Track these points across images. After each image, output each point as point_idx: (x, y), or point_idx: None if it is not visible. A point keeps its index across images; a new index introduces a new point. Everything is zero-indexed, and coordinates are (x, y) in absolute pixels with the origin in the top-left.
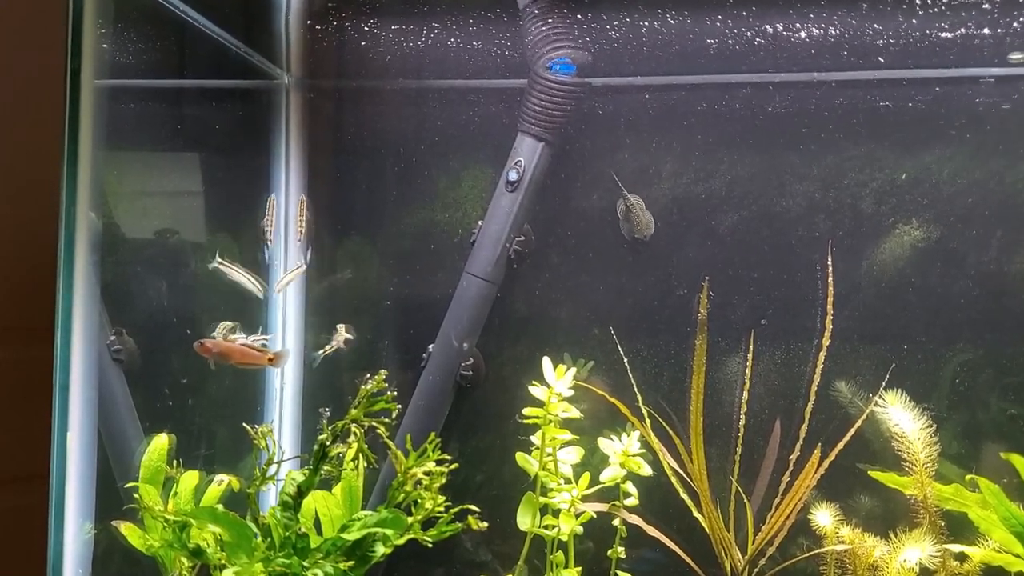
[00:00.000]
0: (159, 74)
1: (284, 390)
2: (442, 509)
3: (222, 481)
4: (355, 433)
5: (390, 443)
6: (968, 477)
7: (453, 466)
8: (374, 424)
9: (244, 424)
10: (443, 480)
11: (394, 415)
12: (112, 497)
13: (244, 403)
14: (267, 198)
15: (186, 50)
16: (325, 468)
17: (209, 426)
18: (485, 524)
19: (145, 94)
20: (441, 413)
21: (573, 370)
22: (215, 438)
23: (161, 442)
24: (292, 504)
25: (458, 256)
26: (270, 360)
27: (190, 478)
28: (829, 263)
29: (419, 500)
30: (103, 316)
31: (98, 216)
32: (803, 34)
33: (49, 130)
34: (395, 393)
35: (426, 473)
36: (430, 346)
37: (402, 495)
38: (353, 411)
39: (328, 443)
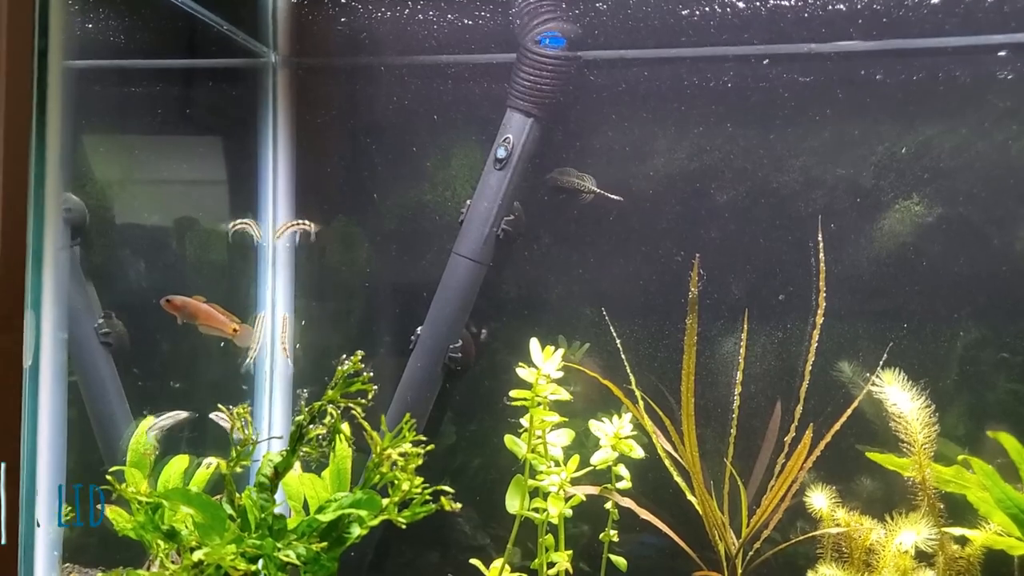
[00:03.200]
0: (136, 54)
1: (274, 373)
2: (419, 490)
3: (210, 464)
4: (331, 414)
5: (365, 424)
6: (960, 457)
7: (429, 447)
8: (350, 405)
9: (220, 405)
10: (419, 461)
11: (370, 396)
12: (95, 480)
13: (233, 386)
14: (256, 315)
15: (164, 29)
16: (305, 450)
17: (197, 409)
18: (459, 505)
19: (123, 76)
20: (430, 396)
21: (561, 351)
22: (201, 421)
23: (148, 425)
24: (269, 485)
25: (447, 237)
26: (234, 330)
27: (179, 461)
28: (820, 239)
29: (395, 481)
30: (92, 299)
31: (84, 200)
32: (798, 3)
33: (16, 114)
34: (371, 374)
35: (402, 454)
36: (418, 329)
37: (378, 476)
38: (330, 392)
39: (306, 424)
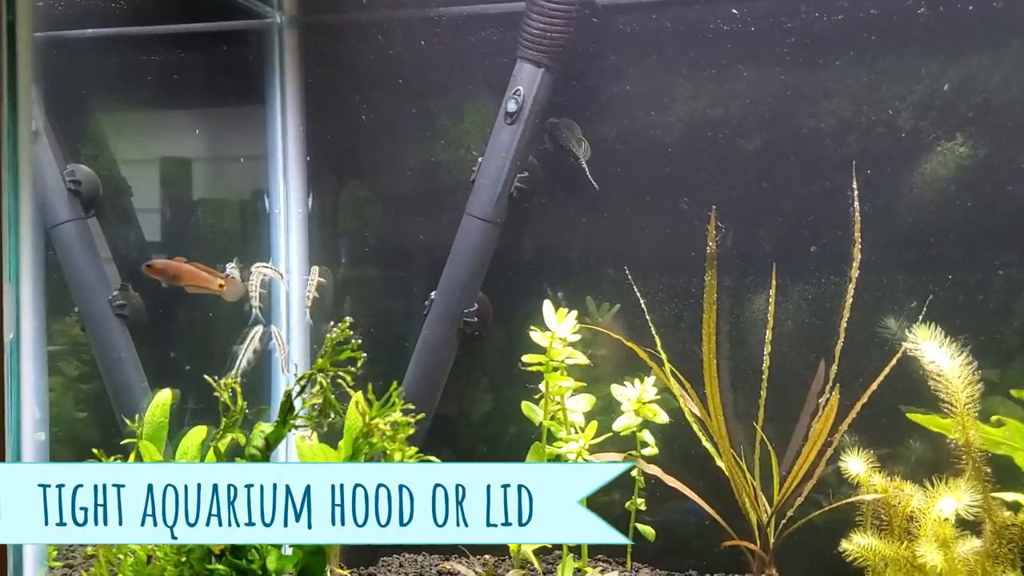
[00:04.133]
0: (132, 21)
1: (290, 343)
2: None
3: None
4: (321, 384)
5: (352, 393)
6: (994, 418)
7: (420, 416)
8: (339, 374)
9: (205, 376)
10: (410, 431)
11: (359, 364)
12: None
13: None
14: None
15: None
16: (302, 420)
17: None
18: None
19: (122, 44)
20: (445, 363)
21: (574, 313)
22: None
23: (163, 397)
24: (260, 457)
25: (462, 197)
26: (220, 285)
27: (197, 433)
28: (854, 187)
29: (387, 452)
30: (106, 271)
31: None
32: None
33: None
34: (360, 341)
35: (391, 424)
36: (432, 293)
37: (366, 447)
38: (319, 360)
39: (295, 395)
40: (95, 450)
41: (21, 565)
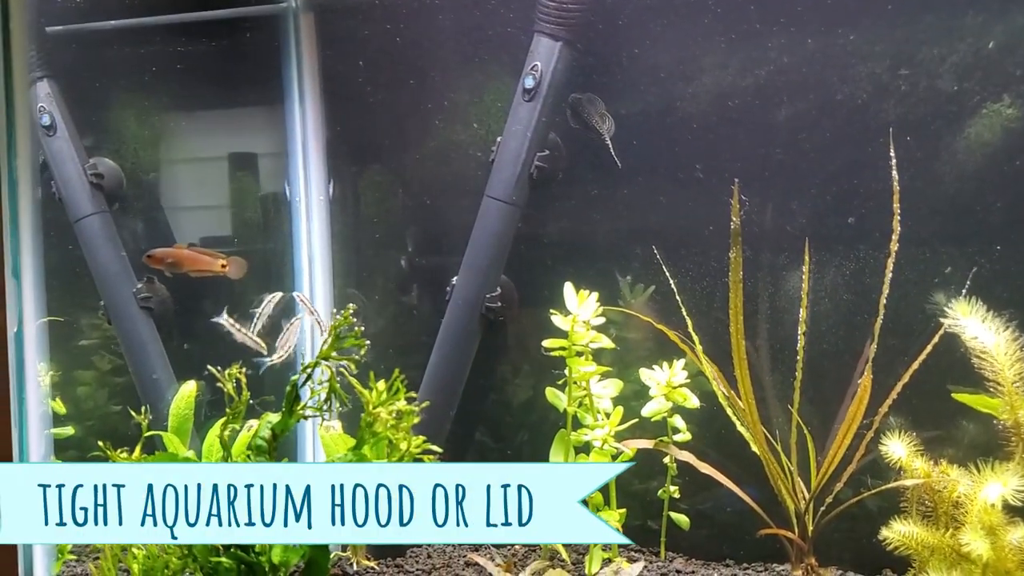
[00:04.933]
0: (144, 11)
1: (315, 336)
2: (418, 450)
3: (251, 427)
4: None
5: (354, 381)
6: None
7: (424, 404)
8: (343, 362)
9: (209, 367)
10: (415, 419)
11: (362, 352)
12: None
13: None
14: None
15: None
16: (311, 410)
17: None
18: None
19: (135, 35)
20: (468, 349)
21: (595, 295)
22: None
23: (188, 389)
24: (266, 448)
25: (485, 179)
26: (223, 266)
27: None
28: (892, 155)
29: (393, 440)
30: (129, 264)
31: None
32: None
33: None
34: (362, 329)
35: (395, 413)
36: (454, 278)
37: (370, 436)
38: (323, 349)
39: (300, 384)
40: (101, 442)
41: (31, 560)
